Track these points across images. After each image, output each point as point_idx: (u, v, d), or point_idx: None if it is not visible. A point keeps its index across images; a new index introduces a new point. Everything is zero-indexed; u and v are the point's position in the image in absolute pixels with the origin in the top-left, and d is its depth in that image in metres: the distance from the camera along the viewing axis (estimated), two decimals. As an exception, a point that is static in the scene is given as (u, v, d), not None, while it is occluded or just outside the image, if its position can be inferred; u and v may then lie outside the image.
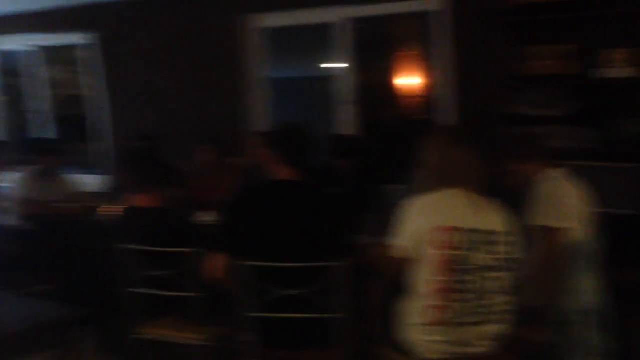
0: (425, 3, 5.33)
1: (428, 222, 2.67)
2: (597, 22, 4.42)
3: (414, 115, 6.45)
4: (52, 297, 4.29)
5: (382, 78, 6.48)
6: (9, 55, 7.74)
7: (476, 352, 2.72)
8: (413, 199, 2.78)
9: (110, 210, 4.64)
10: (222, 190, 5.25)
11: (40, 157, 5.25)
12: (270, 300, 2.91)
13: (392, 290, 2.92)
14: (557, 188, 3.14)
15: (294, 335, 2.98)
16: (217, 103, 6.18)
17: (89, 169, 6.99)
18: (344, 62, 5.77)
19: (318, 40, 6.01)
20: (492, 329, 2.72)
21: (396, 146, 6.22)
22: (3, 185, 5.17)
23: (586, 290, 3.12)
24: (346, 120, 5.79)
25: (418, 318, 2.72)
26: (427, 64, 5.77)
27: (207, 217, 4.70)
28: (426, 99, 5.85)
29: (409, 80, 6.36)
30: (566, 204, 3.09)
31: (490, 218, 2.72)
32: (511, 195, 3.14)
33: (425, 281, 2.68)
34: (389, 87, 6.42)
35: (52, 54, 7.47)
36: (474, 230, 2.66)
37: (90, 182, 6.41)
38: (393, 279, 2.86)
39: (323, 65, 6.86)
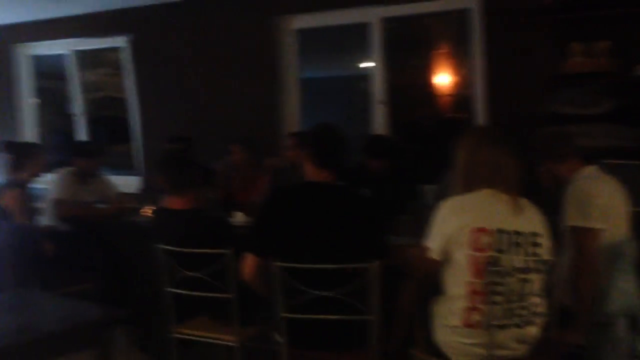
0: (459, 1, 5.29)
1: (464, 223, 2.64)
2: (634, 19, 4.34)
3: (449, 115, 6.41)
4: (88, 298, 4.35)
5: (416, 77, 6.45)
6: (43, 59, 7.87)
7: (512, 354, 2.69)
8: (448, 199, 2.76)
9: (150, 211, 4.69)
10: (255, 191, 5.27)
11: (80, 159, 5.32)
12: (302, 301, 2.91)
13: (426, 292, 2.90)
14: (591, 188, 3.10)
15: (326, 337, 2.97)
16: (251, 104, 6.20)
17: (128, 170, 7.07)
18: (377, 62, 5.76)
19: (352, 40, 6.00)
20: (529, 331, 2.69)
21: (431, 146, 6.20)
22: (40, 186, 5.25)
23: (625, 291, 3.07)
24: (381, 119, 5.77)
25: (453, 320, 2.70)
26: (462, 63, 5.74)
27: (240, 218, 4.73)
28: (461, 98, 5.81)
29: (444, 79, 6.32)
30: (599, 204, 3.04)
31: (528, 219, 2.69)
32: (547, 195, 3.11)
33: (462, 283, 2.66)
34: (423, 86, 6.38)
35: (88, 57, 7.57)
36: (512, 232, 2.63)
37: (130, 183, 6.48)
38: (428, 281, 2.84)
39: (358, 65, 6.84)
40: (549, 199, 3.06)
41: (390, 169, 4.73)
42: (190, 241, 3.42)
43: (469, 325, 2.66)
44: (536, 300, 2.68)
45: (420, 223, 2.94)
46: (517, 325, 2.65)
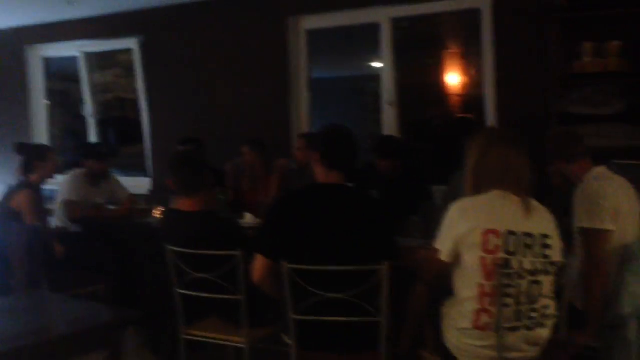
0: (469, 1, 5.28)
1: (474, 225, 2.63)
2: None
3: (459, 115, 6.40)
4: (98, 299, 4.37)
5: (426, 77, 6.44)
6: (54, 61, 7.91)
7: (522, 357, 2.68)
8: (458, 201, 2.74)
9: (160, 212, 4.70)
10: (264, 192, 5.27)
11: (91, 161, 5.34)
12: (312, 303, 2.90)
13: (436, 294, 2.90)
14: (600, 189, 3.08)
15: (335, 339, 2.96)
16: (261, 104, 6.20)
17: (139, 171, 7.10)
18: (387, 62, 5.75)
19: (361, 41, 5.99)
20: (539, 333, 2.67)
21: (441, 146, 6.18)
22: (51, 188, 5.27)
23: (636, 293, 3.04)
24: (391, 120, 5.76)
25: (464, 322, 2.69)
26: (472, 63, 5.72)
27: (249, 219, 4.73)
28: (471, 98, 5.79)
29: (454, 79, 6.31)
30: (609, 206, 3.02)
31: (538, 220, 2.67)
32: (557, 196, 3.09)
33: (472, 285, 2.65)
34: (433, 86, 6.38)
35: (99, 59, 7.60)
36: (522, 234, 2.62)
37: (140, 184, 6.50)
38: (438, 283, 2.83)
39: (368, 65, 6.84)
40: (559, 199, 3.04)
41: (400, 169, 4.72)
42: (200, 243, 3.42)
43: (479, 327, 2.65)
44: (546, 302, 2.67)
45: (430, 224, 2.93)
46: (527, 328, 2.64)
